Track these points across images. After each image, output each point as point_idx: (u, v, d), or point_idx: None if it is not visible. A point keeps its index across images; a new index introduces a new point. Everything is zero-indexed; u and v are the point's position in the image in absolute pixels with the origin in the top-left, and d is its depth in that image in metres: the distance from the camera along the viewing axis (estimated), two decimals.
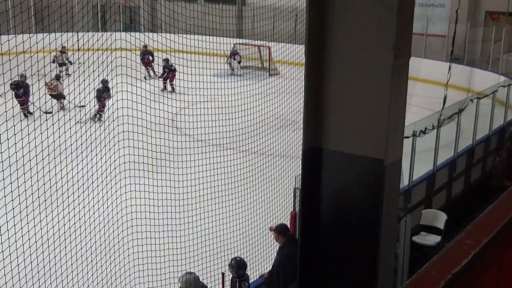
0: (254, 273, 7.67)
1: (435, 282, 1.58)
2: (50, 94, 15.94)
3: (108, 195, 8.10)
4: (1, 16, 9.80)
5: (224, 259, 7.81)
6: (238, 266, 6.64)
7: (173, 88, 19.56)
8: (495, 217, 1.94)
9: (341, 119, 4.74)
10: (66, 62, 20.58)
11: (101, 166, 8.22)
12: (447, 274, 1.61)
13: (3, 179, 6.86)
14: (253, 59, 23.03)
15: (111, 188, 8.24)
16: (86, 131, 8.29)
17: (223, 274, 6.81)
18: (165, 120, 10.57)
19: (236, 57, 22.64)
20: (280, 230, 6.94)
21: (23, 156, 7.31)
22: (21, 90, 15.44)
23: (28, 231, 6.83)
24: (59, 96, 16.34)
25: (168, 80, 19.90)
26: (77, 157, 8.24)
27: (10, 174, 7.05)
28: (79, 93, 9.06)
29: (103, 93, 15.39)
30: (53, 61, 18.85)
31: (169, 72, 19.69)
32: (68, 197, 7.69)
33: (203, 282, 6.59)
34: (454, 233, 2.63)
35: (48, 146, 7.76)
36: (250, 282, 6.86)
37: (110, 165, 8.19)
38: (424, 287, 1.59)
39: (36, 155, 7.51)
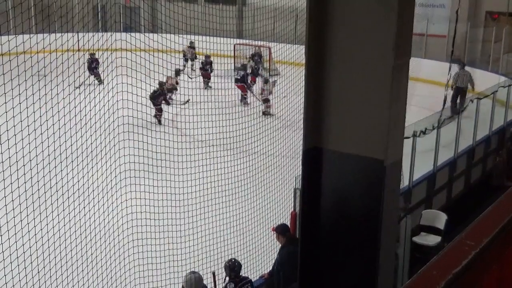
0: (254, 273, 7.67)
1: (435, 282, 1.58)
2: (167, 89, 15.72)
3: (109, 196, 8.10)
4: (2, 16, 9.80)
5: (225, 259, 7.81)
6: (230, 268, 6.63)
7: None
8: (496, 217, 1.94)
9: (341, 119, 4.74)
10: (193, 57, 20.40)
11: (101, 167, 8.22)
12: (448, 274, 1.61)
13: (3, 180, 6.85)
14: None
15: (111, 188, 8.23)
16: (86, 132, 8.28)
17: (213, 273, 6.81)
18: (165, 120, 10.62)
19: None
20: (280, 230, 6.95)
21: (23, 157, 7.30)
22: (160, 98, 15.10)
23: (29, 231, 6.82)
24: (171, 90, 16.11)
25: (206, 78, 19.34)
26: (77, 157, 8.24)
27: (11, 175, 7.05)
28: None
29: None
30: (184, 56, 18.70)
31: (206, 67, 19.14)
32: (68, 198, 7.69)
33: (204, 283, 6.57)
34: (455, 233, 2.63)
35: (48, 146, 7.75)
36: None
37: (111, 165, 8.19)
38: (424, 287, 1.59)
39: (37, 155, 7.51)
